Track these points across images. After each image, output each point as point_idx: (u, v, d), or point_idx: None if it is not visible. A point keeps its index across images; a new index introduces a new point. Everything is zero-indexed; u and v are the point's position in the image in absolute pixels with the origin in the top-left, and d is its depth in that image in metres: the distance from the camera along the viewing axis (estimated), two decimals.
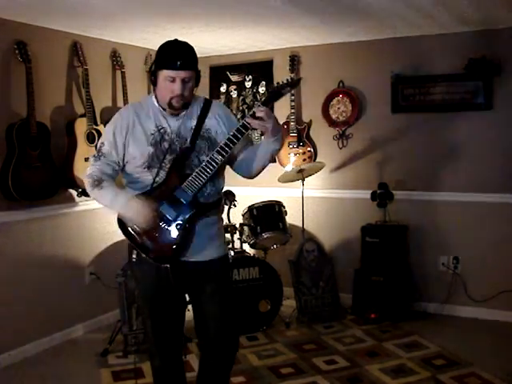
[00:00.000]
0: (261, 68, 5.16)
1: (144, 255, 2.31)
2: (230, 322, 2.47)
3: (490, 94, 4.31)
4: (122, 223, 2.33)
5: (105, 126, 4.22)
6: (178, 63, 2.21)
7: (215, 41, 4.61)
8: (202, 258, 2.38)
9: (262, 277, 4.24)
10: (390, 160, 4.71)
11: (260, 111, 2.23)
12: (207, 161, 2.26)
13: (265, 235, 4.41)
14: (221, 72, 5.33)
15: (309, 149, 4.93)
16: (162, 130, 2.32)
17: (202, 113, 2.37)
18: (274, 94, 2.30)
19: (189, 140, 2.32)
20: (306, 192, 4.75)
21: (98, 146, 2.38)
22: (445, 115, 4.49)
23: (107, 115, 4.41)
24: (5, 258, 3.71)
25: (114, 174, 2.38)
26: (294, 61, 4.90)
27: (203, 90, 5.43)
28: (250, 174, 2.49)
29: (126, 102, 4.40)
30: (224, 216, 4.21)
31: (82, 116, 4.07)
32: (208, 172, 2.26)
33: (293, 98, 4.87)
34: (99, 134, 4.12)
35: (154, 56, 5.00)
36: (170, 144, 2.30)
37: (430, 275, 4.61)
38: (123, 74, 4.45)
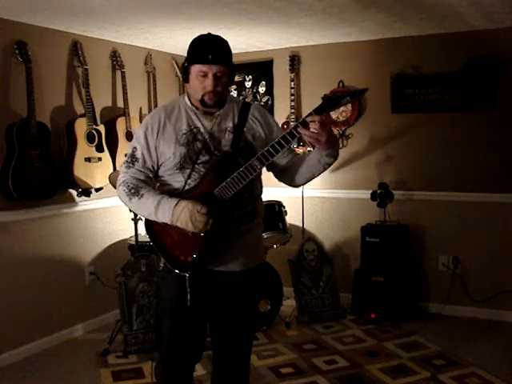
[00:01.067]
0: (261, 68, 5.16)
1: (167, 262, 2.19)
2: (247, 337, 2.38)
3: (491, 94, 4.31)
4: (148, 225, 2.22)
5: (105, 126, 4.23)
6: (210, 57, 2.07)
7: None
8: (232, 269, 2.22)
9: (262, 277, 4.24)
10: (390, 160, 4.71)
11: (312, 121, 2.03)
12: (245, 167, 2.09)
13: (265, 235, 4.40)
14: None
15: (309, 149, 4.93)
16: (194, 130, 2.18)
17: (241, 115, 2.23)
18: (331, 101, 2.07)
19: (224, 141, 2.18)
20: (305, 192, 4.75)
21: (130, 151, 2.24)
22: (445, 115, 4.49)
23: (107, 115, 4.41)
24: (5, 257, 3.71)
25: (149, 181, 2.25)
26: (294, 61, 4.91)
27: None
28: (295, 183, 2.31)
29: (125, 101, 4.40)
30: None
31: (82, 116, 4.07)
32: (245, 179, 2.09)
33: (292, 98, 4.87)
34: (99, 133, 4.12)
35: (154, 56, 5.01)
36: (204, 144, 2.17)
37: (430, 275, 4.62)
38: (123, 74, 4.45)
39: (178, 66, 5.02)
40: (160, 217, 2.12)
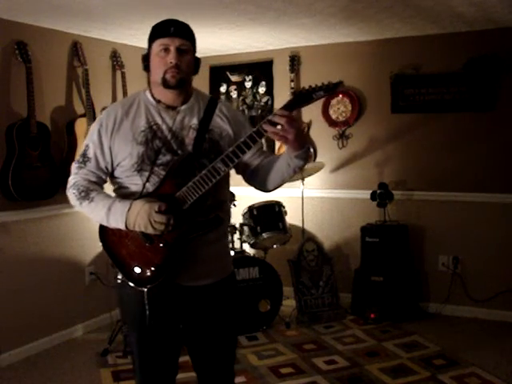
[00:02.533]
0: (261, 68, 5.16)
1: (124, 276, 1.98)
2: (228, 353, 2.17)
3: (491, 94, 4.31)
4: (102, 235, 2.02)
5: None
6: (172, 29, 1.94)
7: (215, 41, 4.61)
8: (200, 283, 2.02)
9: (262, 277, 4.24)
10: (390, 160, 4.72)
11: (280, 117, 1.83)
12: (209, 170, 1.89)
13: (265, 235, 4.41)
14: (221, 72, 5.34)
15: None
16: (154, 127, 1.98)
17: (207, 111, 2.04)
18: (302, 96, 1.86)
19: (187, 140, 1.99)
20: (305, 192, 4.75)
21: (83, 149, 2.04)
22: (445, 115, 4.50)
23: None
24: (5, 257, 3.71)
25: (101, 183, 2.06)
26: (294, 61, 4.91)
27: (203, 90, 5.41)
28: (264, 188, 2.11)
29: None
30: None
31: (82, 116, 4.07)
32: (207, 183, 1.89)
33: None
34: None
35: None
36: (164, 143, 1.96)
37: (430, 275, 4.62)
38: (123, 74, 4.45)
39: None
40: (112, 223, 1.93)
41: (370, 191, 4.57)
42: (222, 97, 5.35)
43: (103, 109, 4.34)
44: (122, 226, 1.92)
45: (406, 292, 4.43)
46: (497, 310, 4.39)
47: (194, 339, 2.13)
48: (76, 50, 4.09)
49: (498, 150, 4.35)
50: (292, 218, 4.80)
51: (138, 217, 1.87)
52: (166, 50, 1.95)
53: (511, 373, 3.42)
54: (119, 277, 2.05)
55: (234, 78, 5.31)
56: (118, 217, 1.91)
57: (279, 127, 1.85)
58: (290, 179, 2.06)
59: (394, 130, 4.69)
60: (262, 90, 5.19)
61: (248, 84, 5.25)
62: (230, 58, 5.26)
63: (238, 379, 3.39)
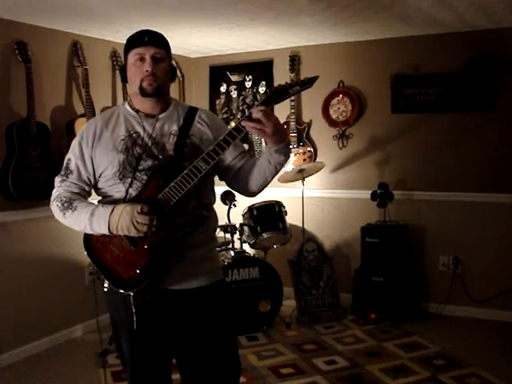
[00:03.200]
0: (261, 68, 5.16)
1: (110, 283, 1.98)
2: (223, 359, 2.09)
3: (491, 94, 4.31)
4: (87, 243, 2.02)
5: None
6: (146, 38, 1.98)
7: (215, 41, 4.61)
8: (187, 286, 2.01)
9: (262, 277, 4.24)
10: (389, 160, 4.72)
11: (257, 111, 1.86)
12: (190, 169, 1.90)
13: (265, 235, 4.40)
14: (221, 72, 5.33)
15: (309, 149, 4.94)
16: (134, 135, 2.00)
17: (187, 118, 2.06)
18: (278, 92, 1.90)
19: (168, 145, 2.00)
20: (306, 192, 4.75)
21: (65, 163, 2.06)
22: (445, 115, 4.49)
23: None
24: (5, 257, 3.71)
25: (84, 195, 2.07)
26: (294, 61, 4.90)
27: (203, 90, 5.44)
28: (248, 191, 2.10)
29: None
30: (224, 216, 4.23)
31: (82, 116, 4.07)
32: (189, 182, 1.90)
33: (292, 98, 4.86)
34: None
35: None
36: (145, 149, 1.98)
37: (430, 275, 4.61)
38: None
39: (178, 66, 5.02)
40: (96, 228, 1.94)
41: (370, 191, 4.57)
42: (222, 97, 5.36)
43: (103, 109, 4.36)
44: (105, 231, 1.92)
45: (406, 292, 4.43)
46: (497, 309, 4.38)
47: (185, 351, 2.08)
48: (76, 49, 4.08)
49: (498, 150, 4.35)
50: (292, 218, 4.80)
51: (120, 219, 1.88)
52: (142, 59, 1.98)
53: (511, 373, 3.41)
54: (105, 285, 2.05)
55: (234, 78, 5.31)
56: (101, 221, 1.92)
57: (258, 122, 1.87)
58: (272, 179, 2.06)
59: (394, 130, 4.69)
60: (262, 89, 5.19)
61: (248, 84, 5.25)
62: (230, 58, 5.26)
63: None
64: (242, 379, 3.41)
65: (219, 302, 2.11)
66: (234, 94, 5.30)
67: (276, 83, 5.09)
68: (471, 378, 3.39)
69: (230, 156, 2.08)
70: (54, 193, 2.06)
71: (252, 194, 2.12)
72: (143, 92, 1.99)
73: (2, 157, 3.61)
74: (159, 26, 3.97)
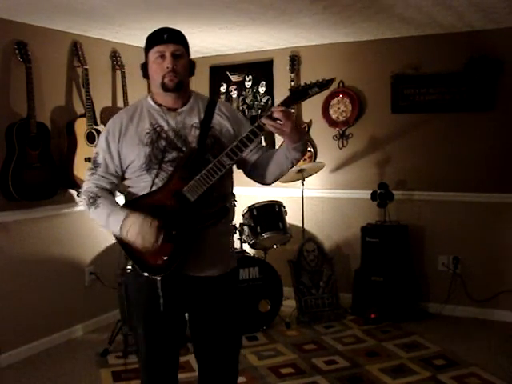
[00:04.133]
0: (261, 68, 5.16)
1: (137, 266, 2.10)
2: (232, 345, 2.28)
3: (491, 94, 4.31)
4: None
5: (105, 126, 4.23)
6: (165, 36, 2.09)
7: (215, 41, 4.61)
8: (205, 274, 2.15)
9: (262, 277, 4.24)
10: (390, 160, 4.72)
11: (277, 111, 1.99)
12: (214, 164, 2.03)
13: (265, 235, 4.40)
14: (221, 72, 5.33)
15: (309, 149, 4.93)
16: (158, 128, 2.12)
17: (208, 111, 2.18)
18: (298, 93, 2.02)
19: (190, 137, 2.12)
20: (305, 192, 4.75)
21: (93, 157, 2.21)
22: (445, 115, 4.49)
23: (107, 115, 4.41)
24: (5, 257, 3.71)
25: (112, 188, 2.19)
26: (294, 61, 4.90)
27: (203, 90, 5.43)
28: (264, 181, 2.26)
29: (125, 101, 4.40)
30: None
31: (82, 116, 4.07)
32: (214, 176, 2.03)
33: None
34: (99, 134, 4.12)
35: None
36: (169, 142, 2.11)
37: (430, 275, 4.61)
38: (123, 74, 4.45)
39: None
40: (112, 229, 2.07)
41: (370, 191, 4.57)
42: (222, 97, 5.35)
43: (107, 112, 4.36)
44: (117, 233, 2.06)
45: (406, 292, 4.43)
46: (497, 309, 4.39)
47: (198, 330, 2.25)
48: (76, 49, 4.08)
49: (498, 150, 4.35)
50: (292, 217, 4.80)
51: (131, 228, 2.02)
52: (162, 56, 2.09)
53: (511, 373, 3.41)
54: (129, 267, 2.16)
55: (234, 78, 5.31)
56: (115, 224, 2.05)
57: (278, 121, 2.00)
58: (288, 171, 2.23)
59: (394, 130, 4.69)
60: (262, 89, 5.19)
61: (248, 84, 5.25)
62: (230, 58, 5.26)
63: (238, 379, 3.40)
64: (242, 379, 3.42)
65: (234, 287, 2.31)
66: (234, 94, 5.30)
67: (276, 83, 5.10)
68: (471, 377, 3.39)
69: (249, 147, 2.17)
70: (84, 185, 2.19)
71: (267, 184, 2.28)
72: (165, 87, 2.10)
73: (2, 157, 3.61)
74: (159, 26, 3.97)
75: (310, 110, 4.97)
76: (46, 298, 3.98)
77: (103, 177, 2.17)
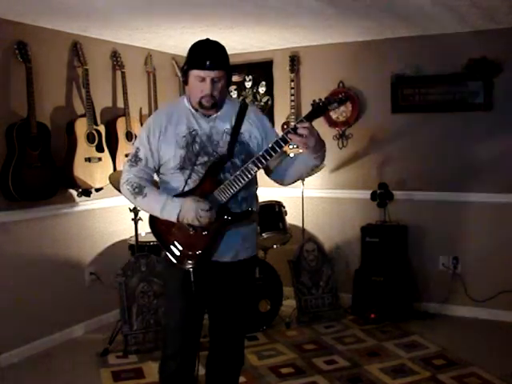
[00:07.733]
0: (261, 68, 5.16)
1: (171, 257, 2.33)
2: (241, 330, 2.55)
3: (490, 94, 4.31)
4: (152, 224, 2.37)
5: (105, 126, 4.23)
6: (208, 63, 2.21)
7: None
8: (230, 259, 2.38)
9: (262, 277, 4.24)
10: (390, 160, 4.72)
11: (302, 127, 2.19)
12: (242, 170, 2.26)
13: (265, 235, 4.40)
14: None
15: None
16: (193, 132, 2.32)
17: (239, 117, 2.37)
18: (319, 109, 2.25)
19: (221, 143, 2.32)
20: (305, 192, 4.75)
21: (134, 151, 2.38)
22: (445, 115, 4.50)
23: (107, 115, 4.41)
24: (5, 257, 3.71)
25: (151, 180, 2.40)
26: (294, 61, 4.91)
27: None
28: (283, 183, 2.50)
29: (126, 101, 4.40)
30: None
31: (82, 116, 4.07)
32: (242, 182, 2.26)
33: (292, 98, 4.87)
34: (99, 134, 4.12)
35: (154, 56, 5.01)
36: (202, 146, 2.31)
37: (430, 275, 4.61)
38: (123, 74, 4.45)
39: (177, 66, 5.02)
40: (165, 216, 2.29)
41: (370, 191, 4.57)
42: None
43: (107, 112, 4.36)
44: (174, 220, 2.27)
45: (406, 292, 4.43)
46: (497, 309, 4.38)
47: (215, 306, 2.50)
48: (76, 49, 4.08)
49: (497, 150, 4.35)
50: (292, 217, 4.80)
51: (187, 213, 2.24)
52: (203, 79, 2.24)
53: (511, 373, 3.41)
54: (163, 253, 2.40)
55: (234, 78, 5.30)
56: (172, 212, 2.26)
57: (302, 136, 2.20)
58: (307, 176, 2.54)
59: (394, 130, 4.69)
60: (262, 89, 5.19)
61: (248, 84, 5.25)
62: (230, 58, 5.24)
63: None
64: (242, 379, 3.41)
65: (250, 275, 2.62)
66: (234, 94, 5.30)
67: (276, 83, 5.11)
68: (471, 377, 3.39)
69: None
70: (125, 176, 2.37)
71: (285, 185, 2.52)
72: (201, 106, 2.30)
73: (2, 157, 3.61)
74: (159, 26, 3.98)
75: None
76: (46, 298, 3.98)
77: (143, 170, 2.36)
